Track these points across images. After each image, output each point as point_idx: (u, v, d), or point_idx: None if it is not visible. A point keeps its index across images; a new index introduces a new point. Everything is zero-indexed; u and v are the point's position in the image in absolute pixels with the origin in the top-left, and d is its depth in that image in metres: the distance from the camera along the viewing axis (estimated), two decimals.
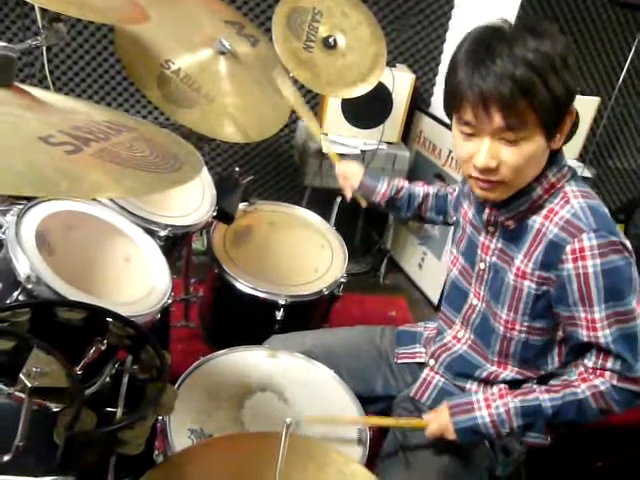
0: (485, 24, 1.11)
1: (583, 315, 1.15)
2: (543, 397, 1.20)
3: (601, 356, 1.17)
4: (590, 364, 1.19)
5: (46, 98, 0.82)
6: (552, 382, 1.25)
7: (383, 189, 1.63)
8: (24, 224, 1.17)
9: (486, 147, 1.10)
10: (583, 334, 1.16)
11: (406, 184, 1.65)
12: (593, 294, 1.12)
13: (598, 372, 1.19)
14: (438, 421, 1.24)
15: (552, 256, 1.15)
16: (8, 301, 1.09)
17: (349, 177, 1.67)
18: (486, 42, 1.07)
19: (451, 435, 1.23)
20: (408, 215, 1.67)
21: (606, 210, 1.17)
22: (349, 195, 1.69)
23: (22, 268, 1.10)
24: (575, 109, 1.14)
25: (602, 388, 1.17)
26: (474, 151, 1.12)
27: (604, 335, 1.14)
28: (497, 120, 1.06)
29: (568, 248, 1.12)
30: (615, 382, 1.17)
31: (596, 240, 1.10)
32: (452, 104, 1.13)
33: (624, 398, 1.18)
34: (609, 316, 1.13)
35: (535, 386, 1.25)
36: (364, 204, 1.68)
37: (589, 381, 1.19)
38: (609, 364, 1.17)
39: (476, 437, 1.24)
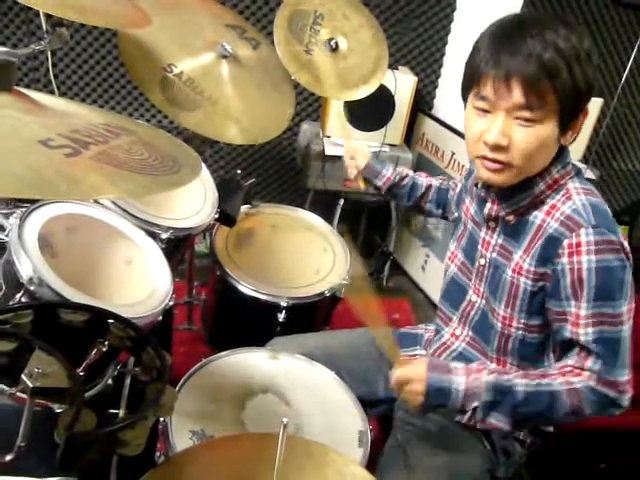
0: (513, 13, 1.13)
1: (573, 310, 1.13)
2: (518, 381, 1.14)
3: (582, 355, 1.14)
4: (571, 362, 1.16)
5: (46, 102, 0.83)
6: (530, 371, 1.20)
7: (388, 173, 1.66)
8: (27, 227, 1.18)
9: (500, 123, 1.10)
10: (568, 329, 1.14)
11: (411, 173, 1.68)
12: (584, 289, 1.11)
13: (577, 371, 1.14)
14: (413, 368, 1.18)
15: (550, 250, 1.15)
16: (11, 303, 1.10)
17: (356, 156, 1.70)
18: (517, 24, 1.09)
19: (418, 388, 1.15)
20: (408, 204, 1.69)
21: (608, 209, 1.17)
22: (352, 174, 1.71)
23: (25, 270, 1.10)
24: (588, 110, 1.15)
25: (579, 386, 1.13)
26: (486, 128, 1.12)
27: (585, 333, 1.12)
28: (517, 96, 1.07)
29: (565, 242, 1.12)
30: (593, 383, 1.12)
31: (594, 236, 1.10)
32: (472, 79, 1.13)
33: (599, 402, 1.13)
34: (594, 315, 1.11)
35: (513, 369, 1.23)
36: (363, 186, 1.71)
37: (567, 376, 1.14)
38: (589, 364, 1.13)
39: (440, 401, 1.16)
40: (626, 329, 1.13)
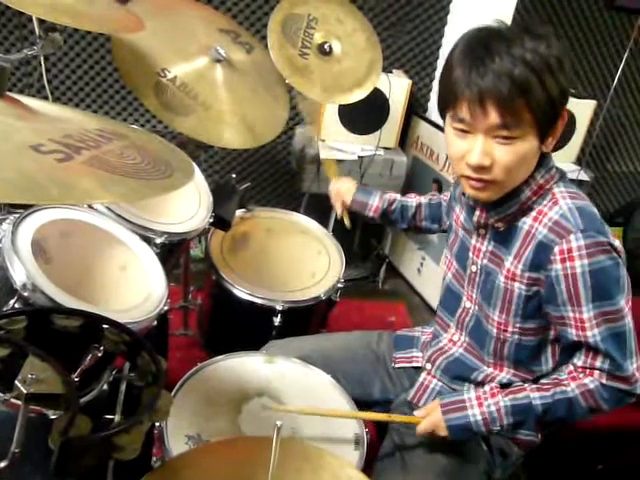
0: (481, 25, 1.13)
1: (572, 315, 1.16)
2: (533, 395, 1.20)
3: (590, 355, 1.18)
4: (579, 363, 1.20)
5: (38, 107, 0.83)
6: (542, 381, 1.26)
7: (375, 203, 1.66)
8: (20, 232, 1.18)
9: (480, 144, 1.11)
10: (572, 333, 1.17)
11: (398, 197, 1.68)
12: (581, 294, 1.13)
13: (587, 371, 1.19)
14: (430, 419, 1.25)
15: (541, 257, 1.16)
16: (4, 309, 1.10)
17: (342, 194, 1.71)
18: (484, 41, 1.09)
19: (443, 432, 1.23)
20: (404, 227, 1.70)
21: (595, 210, 1.18)
22: (339, 212, 1.74)
23: (18, 276, 1.10)
24: (567, 113, 1.15)
25: (591, 387, 1.17)
26: (467, 149, 1.13)
27: (593, 334, 1.15)
28: (493, 117, 1.07)
29: (556, 249, 1.13)
30: (604, 381, 1.17)
31: (584, 240, 1.11)
32: (447, 101, 1.14)
33: (613, 397, 1.18)
34: (597, 315, 1.14)
35: (526, 385, 1.25)
36: (348, 224, 1.77)
37: (579, 380, 1.19)
38: (598, 363, 1.17)
39: (467, 434, 1.24)
40: (628, 321, 1.16)
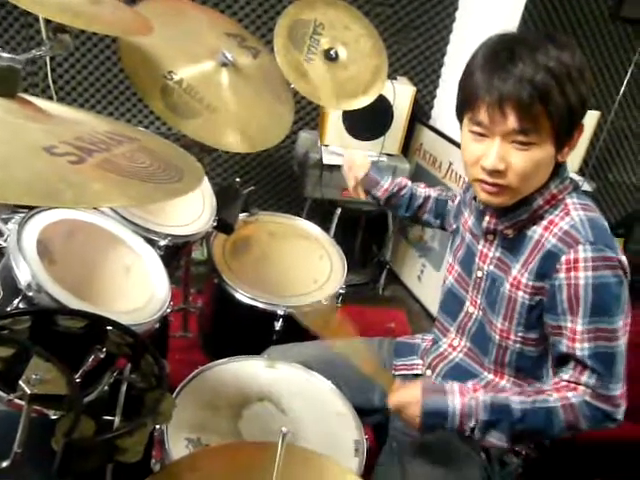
0: (505, 32, 1.14)
1: (569, 325, 1.14)
2: (514, 398, 1.16)
3: (578, 369, 1.15)
4: (566, 377, 1.16)
5: (49, 108, 0.83)
6: (526, 388, 1.23)
7: (386, 185, 1.64)
8: (26, 232, 1.18)
9: (496, 148, 1.11)
10: (564, 344, 1.15)
11: (409, 183, 1.66)
12: (580, 306, 1.12)
13: (572, 385, 1.15)
14: (407, 392, 1.20)
15: (548, 266, 1.15)
16: (8, 308, 1.10)
17: (355, 167, 1.67)
18: (508, 46, 1.09)
19: (415, 411, 1.17)
20: (406, 214, 1.68)
21: (606, 224, 1.18)
22: (352, 184, 1.69)
23: (23, 276, 1.10)
24: (583, 125, 1.15)
25: (574, 401, 1.13)
26: (483, 153, 1.13)
27: (582, 348, 1.12)
28: (511, 121, 1.07)
29: (563, 258, 1.13)
30: (588, 398, 1.13)
31: (591, 253, 1.11)
32: (466, 104, 1.14)
33: (594, 416, 1.14)
34: (591, 330, 1.12)
35: (508, 386, 1.24)
36: (363, 196, 1.70)
37: (562, 392, 1.15)
38: (584, 378, 1.14)
39: (439, 421, 1.17)
40: (622, 344, 1.13)
